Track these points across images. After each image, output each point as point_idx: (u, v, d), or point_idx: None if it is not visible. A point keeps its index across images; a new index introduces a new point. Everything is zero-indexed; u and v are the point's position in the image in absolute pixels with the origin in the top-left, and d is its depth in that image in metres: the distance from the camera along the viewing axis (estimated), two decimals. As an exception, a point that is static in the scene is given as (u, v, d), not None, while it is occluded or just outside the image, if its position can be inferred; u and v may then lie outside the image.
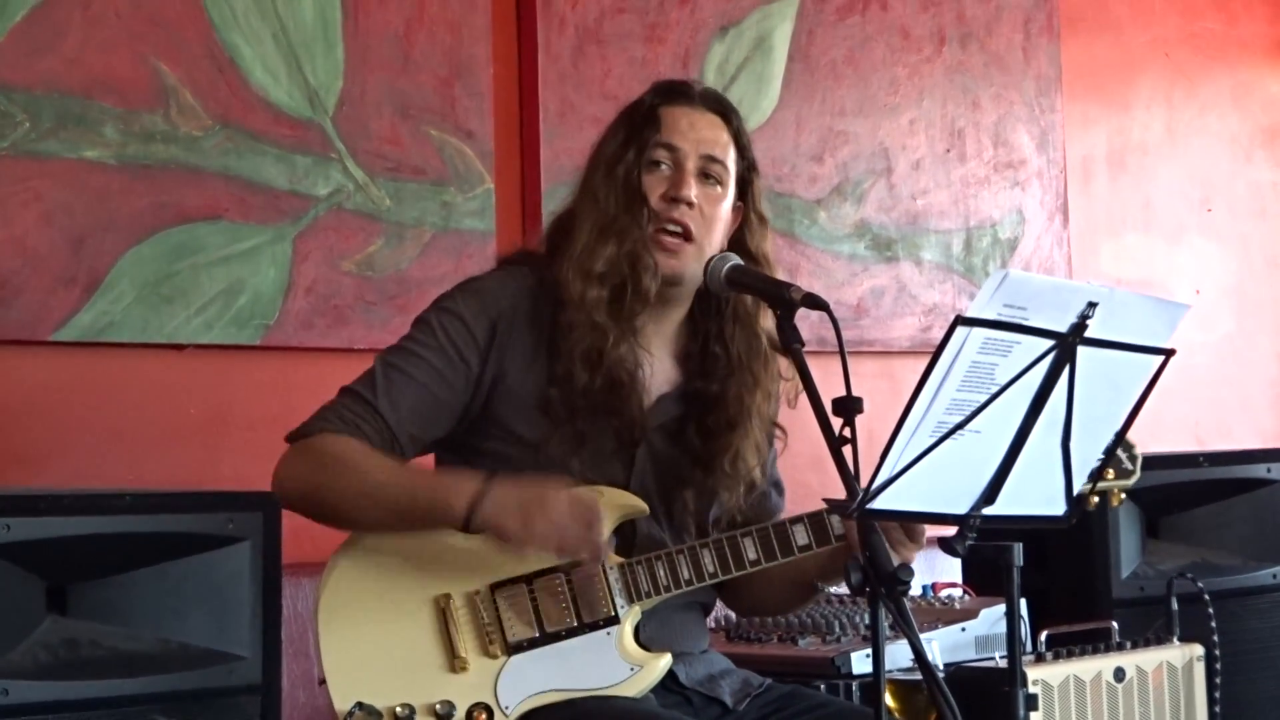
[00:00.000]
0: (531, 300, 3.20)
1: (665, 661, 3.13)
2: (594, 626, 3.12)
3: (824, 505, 3.09)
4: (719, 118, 3.27)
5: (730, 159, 3.25)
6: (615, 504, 3.15)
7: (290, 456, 3.10)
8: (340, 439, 3.10)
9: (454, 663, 3.10)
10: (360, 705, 3.06)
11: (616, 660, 3.12)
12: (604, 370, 3.14)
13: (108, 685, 2.82)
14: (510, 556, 3.09)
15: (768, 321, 3.21)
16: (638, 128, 3.22)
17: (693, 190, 3.19)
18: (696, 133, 3.22)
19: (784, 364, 3.22)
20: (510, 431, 3.17)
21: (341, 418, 3.12)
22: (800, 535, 3.13)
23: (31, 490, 3.10)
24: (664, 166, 3.20)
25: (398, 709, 3.06)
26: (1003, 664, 2.96)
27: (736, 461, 3.24)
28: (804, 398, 2.85)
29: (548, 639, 3.12)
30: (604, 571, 3.13)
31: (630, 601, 3.13)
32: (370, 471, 3.06)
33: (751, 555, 3.13)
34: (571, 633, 3.12)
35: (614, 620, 3.12)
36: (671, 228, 3.18)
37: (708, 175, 3.22)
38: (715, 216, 3.22)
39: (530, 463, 3.13)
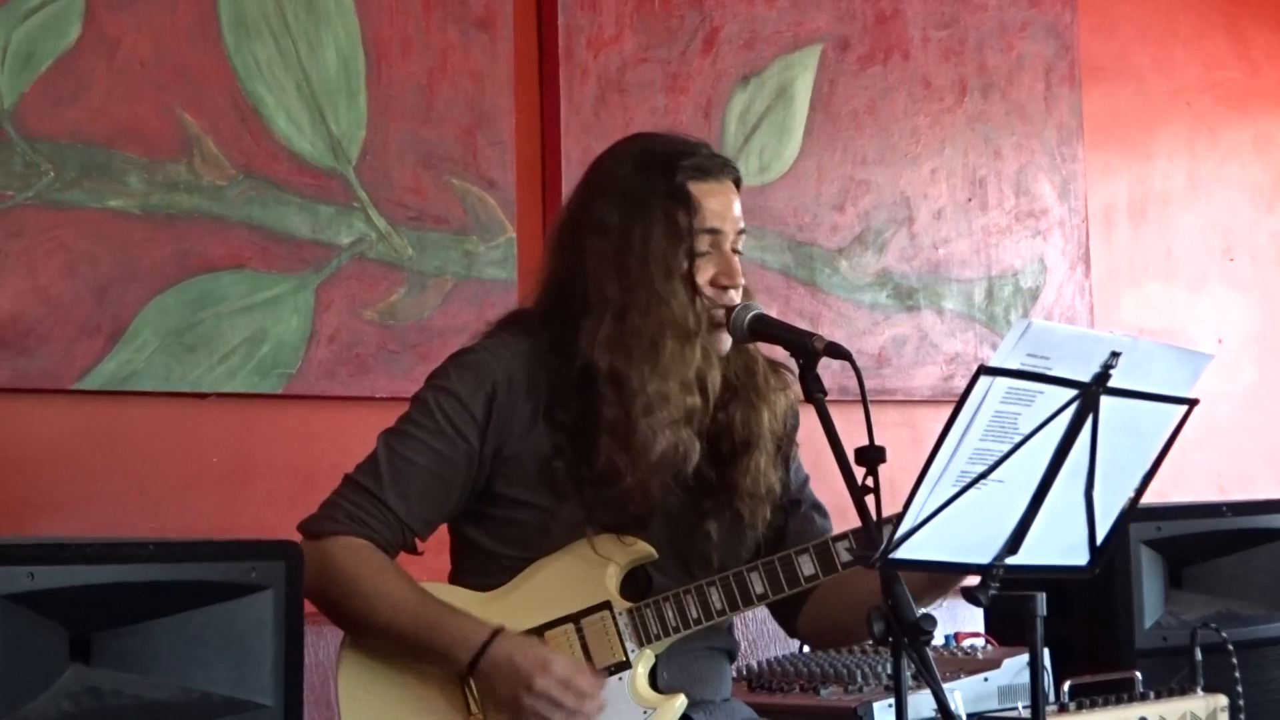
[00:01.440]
0: (526, 367, 3.20)
1: (680, 703, 3.14)
2: (605, 672, 3.13)
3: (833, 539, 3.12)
4: (735, 186, 3.25)
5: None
6: (624, 550, 3.18)
7: (305, 556, 3.08)
8: (350, 548, 3.13)
9: (470, 717, 3.11)
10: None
11: (630, 705, 3.13)
12: (650, 469, 3.15)
13: (130, 734, 2.82)
14: (522, 610, 3.13)
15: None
16: (678, 214, 3.16)
17: (738, 271, 3.19)
18: (730, 211, 3.20)
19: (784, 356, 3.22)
20: (516, 500, 3.19)
21: (349, 515, 3.14)
22: (806, 565, 3.13)
23: (55, 539, 3.10)
24: (706, 253, 3.18)
25: (414, 762, 3.08)
26: (1026, 714, 2.96)
27: (757, 479, 3.24)
28: (826, 448, 2.85)
29: None
30: (613, 617, 3.15)
31: (640, 645, 3.14)
32: (374, 602, 3.10)
33: (759, 589, 3.14)
34: None
35: (625, 665, 3.14)
36: (720, 315, 3.17)
37: (735, 249, 3.22)
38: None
39: (539, 527, 3.16)
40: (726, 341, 3.20)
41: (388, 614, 3.10)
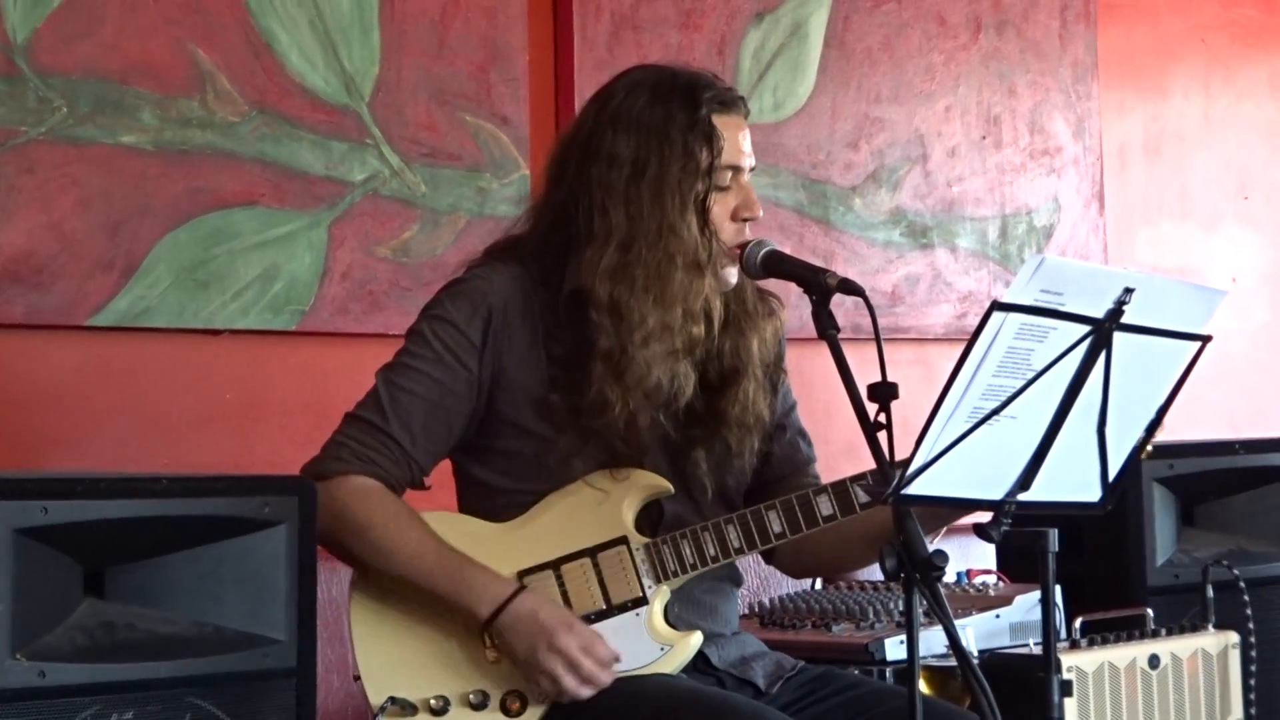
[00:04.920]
0: (521, 292, 3.20)
1: (696, 639, 3.15)
2: (623, 608, 3.14)
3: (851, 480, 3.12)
4: (745, 120, 3.25)
5: None
6: (640, 485, 3.18)
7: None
8: (360, 486, 3.12)
9: (486, 652, 3.12)
10: (393, 700, 3.08)
11: (647, 641, 3.13)
12: (642, 401, 3.15)
13: (144, 668, 2.83)
14: (537, 544, 3.14)
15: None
16: (700, 148, 3.15)
17: (757, 202, 3.20)
18: (746, 144, 3.21)
19: (774, 284, 3.23)
20: (516, 426, 3.19)
21: (355, 454, 3.14)
22: (824, 506, 3.14)
23: (68, 474, 3.11)
24: (730, 186, 3.18)
25: (432, 701, 3.09)
26: (1037, 651, 2.96)
27: (746, 407, 3.24)
28: (839, 386, 2.84)
29: None
30: (630, 553, 3.15)
31: (657, 581, 3.15)
32: (388, 548, 3.11)
33: (776, 528, 3.15)
34: (600, 616, 3.14)
35: (642, 601, 3.15)
36: (739, 245, 3.18)
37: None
38: None
39: (543, 456, 3.17)
40: (735, 276, 3.20)
41: (403, 563, 3.10)
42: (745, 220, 3.18)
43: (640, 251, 3.13)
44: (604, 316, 3.14)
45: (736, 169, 3.18)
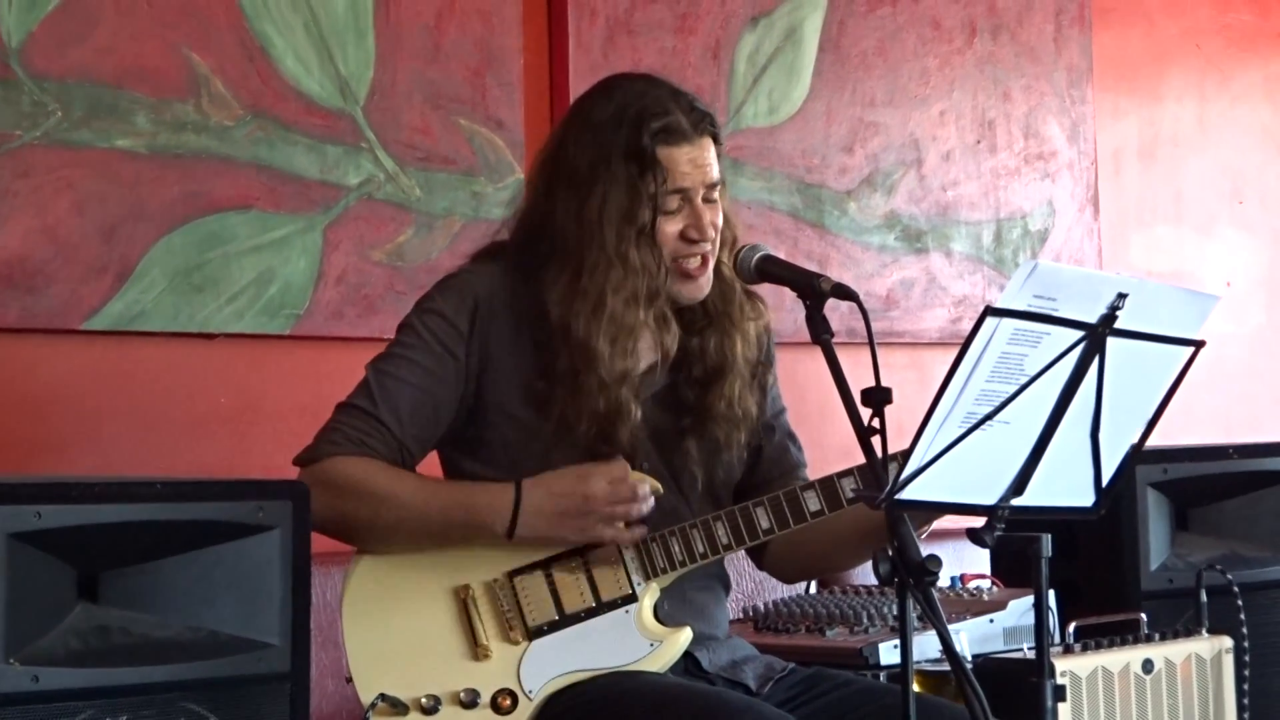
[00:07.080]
0: (506, 287, 3.23)
1: (685, 636, 3.17)
2: (612, 605, 3.17)
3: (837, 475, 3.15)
4: (710, 139, 3.21)
5: (720, 168, 3.23)
6: None
7: (309, 483, 3.09)
8: (351, 461, 3.15)
9: (477, 651, 3.14)
10: (383, 697, 3.09)
11: (636, 637, 3.15)
12: (604, 419, 3.17)
13: (137, 672, 2.82)
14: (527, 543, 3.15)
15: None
16: (643, 178, 3.13)
17: (709, 225, 3.18)
18: (700, 170, 3.17)
19: (764, 290, 3.25)
20: (505, 414, 3.21)
21: (347, 437, 3.16)
22: (812, 502, 3.16)
23: (62, 478, 3.10)
24: (676, 209, 3.17)
25: (423, 699, 3.10)
26: (1031, 655, 2.96)
27: (733, 404, 3.26)
28: (833, 390, 2.85)
29: (568, 621, 3.16)
30: (620, 551, 3.18)
31: (647, 578, 3.17)
32: (393, 495, 3.13)
33: (765, 525, 3.17)
34: (591, 613, 3.17)
35: (632, 598, 3.17)
36: (691, 263, 3.19)
37: (708, 199, 3.20)
38: (719, 225, 3.22)
39: (530, 444, 3.19)
40: (699, 292, 3.21)
41: (407, 501, 3.12)
42: (694, 242, 3.18)
43: (584, 279, 3.15)
44: (558, 338, 3.17)
45: (682, 191, 3.16)
